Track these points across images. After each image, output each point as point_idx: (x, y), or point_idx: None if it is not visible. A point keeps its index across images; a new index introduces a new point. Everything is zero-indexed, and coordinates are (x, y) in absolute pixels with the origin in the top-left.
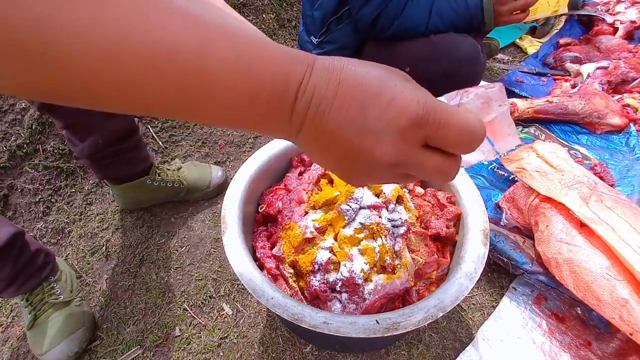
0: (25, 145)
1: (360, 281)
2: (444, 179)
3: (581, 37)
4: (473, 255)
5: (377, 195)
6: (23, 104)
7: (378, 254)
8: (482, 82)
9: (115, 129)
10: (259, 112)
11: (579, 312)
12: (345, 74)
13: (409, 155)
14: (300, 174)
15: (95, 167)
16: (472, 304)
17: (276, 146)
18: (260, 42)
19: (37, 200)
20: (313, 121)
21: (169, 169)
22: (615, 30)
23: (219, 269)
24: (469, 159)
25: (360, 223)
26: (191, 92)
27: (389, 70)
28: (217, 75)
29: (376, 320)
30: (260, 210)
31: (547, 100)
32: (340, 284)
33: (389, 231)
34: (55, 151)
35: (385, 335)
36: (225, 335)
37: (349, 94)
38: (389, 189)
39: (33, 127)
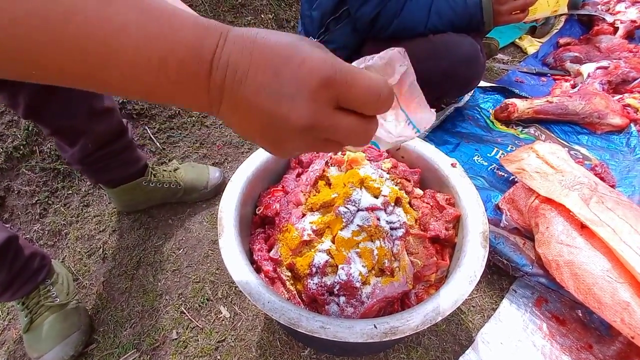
0: (21, 147)
1: (358, 284)
2: (359, 140)
3: (581, 37)
4: (472, 257)
5: (376, 197)
6: None
7: (376, 257)
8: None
9: (103, 131)
10: (172, 80)
11: (580, 314)
12: (258, 41)
13: (323, 117)
14: (298, 175)
15: (88, 172)
16: (472, 306)
17: None
18: (170, 8)
19: (34, 202)
20: (231, 90)
21: (165, 170)
22: (616, 29)
23: (216, 271)
24: (391, 130)
25: (358, 225)
26: (92, 56)
27: (299, 37)
28: (121, 39)
29: (374, 324)
30: (257, 212)
31: (547, 101)
32: (338, 287)
33: (387, 233)
34: (52, 153)
35: (383, 340)
36: (223, 338)
37: (262, 60)
38: (387, 191)
39: (29, 128)
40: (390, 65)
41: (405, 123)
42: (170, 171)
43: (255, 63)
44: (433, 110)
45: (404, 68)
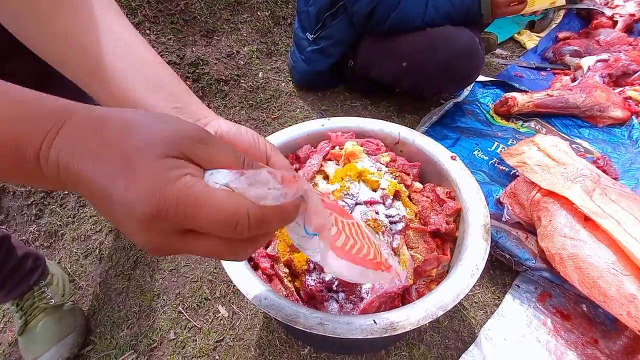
0: None
1: None
2: (229, 257)
3: (580, 31)
4: (474, 251)
5: (374, 191)
6: None
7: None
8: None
9: None
10: (3, 172)
11: (585, 309)
12: (92, 142)
13: (167, 244)
14: (296, 170)
15: None
16: (475, 302)
17: None
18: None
19: (30, 203)
20: (74, 187)
21: None
22: (615, 23)
23: (214, 270)
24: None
25: None
26: None
27: (143, 140)
28: None
29: (373, 320)
30: None
31: (548, 94)
32: (336, 283)
33: (387, 227)
34: None
35: (384, 335)
36: (221, 338)
37: (92, 168)
38: (386, 184)
39: None
40: (260, 187)
41: (316, 248)
42: None
43: (85, 172)
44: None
45: (278, 192)
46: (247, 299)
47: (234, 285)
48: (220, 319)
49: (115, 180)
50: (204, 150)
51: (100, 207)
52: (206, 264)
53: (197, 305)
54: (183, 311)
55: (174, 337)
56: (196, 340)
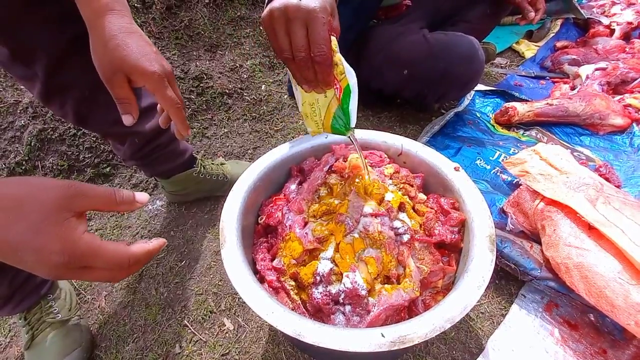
0: (24, 162)
1: (363, 292)
2: (110, 281)
3: (578, 40)
4: (480, 262)
5: (379, 203)
6: (22, 121)
7: (381, 264)
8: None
9: (146, 129)
10: None
11: (592, 318)
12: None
13: (69, 275)
14: (300, 183)
15: (142, 166)
16: (481, 312)
17: (274, 156)
18: None
19: None
20: None
21: (213, 164)
22: (612, 31)
23: (219, 283)
24: None
25: (362, 232)
26: None
27: (44, 212)
28: None
29: (381, 333)
30: (260, 222)
31: (547, 103)
32: (343, 295)
33: (392, 239)
34: (54, 167)
35: (392, 349)
36: (227, 351)
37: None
38: (391, 196)
39: (32, 143)
40: None
41: None
42: (217, 165)
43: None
44: None
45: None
46: (254, 313)
47: (240, 298)
48: (226, 332)
49: (27, 241)
50: (84, 201)
51: (8, 258)
52: (211, 276)
53: (203, 319)
54: (188, 324)
55: (179, 351)
56: (202, 354)
